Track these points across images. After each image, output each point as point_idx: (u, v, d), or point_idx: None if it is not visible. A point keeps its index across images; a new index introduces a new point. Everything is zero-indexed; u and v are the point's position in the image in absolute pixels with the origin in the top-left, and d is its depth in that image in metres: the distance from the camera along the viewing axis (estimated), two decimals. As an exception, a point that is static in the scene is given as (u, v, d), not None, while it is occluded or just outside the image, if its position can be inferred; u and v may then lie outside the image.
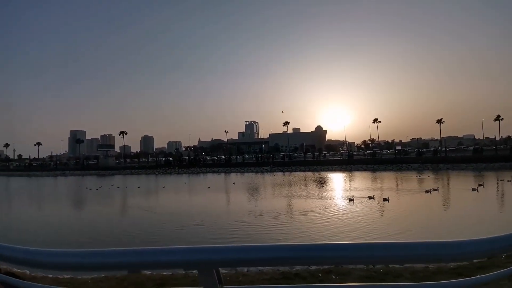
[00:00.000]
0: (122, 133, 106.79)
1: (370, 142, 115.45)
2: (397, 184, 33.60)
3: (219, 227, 15.07)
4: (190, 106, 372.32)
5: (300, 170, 60.41)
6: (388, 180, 37.62)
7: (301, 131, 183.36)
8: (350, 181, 37.84)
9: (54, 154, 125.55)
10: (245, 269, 7.96)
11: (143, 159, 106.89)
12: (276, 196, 26.94)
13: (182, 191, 34.29)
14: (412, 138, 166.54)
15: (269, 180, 44.15)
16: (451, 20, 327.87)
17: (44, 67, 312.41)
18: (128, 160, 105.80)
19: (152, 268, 0.90)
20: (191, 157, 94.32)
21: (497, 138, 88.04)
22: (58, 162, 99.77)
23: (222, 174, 58.88)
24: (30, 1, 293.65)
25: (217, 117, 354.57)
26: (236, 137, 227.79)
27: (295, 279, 6.79)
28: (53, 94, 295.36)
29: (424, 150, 79.10)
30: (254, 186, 36.66)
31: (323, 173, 52.91)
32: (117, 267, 1.19)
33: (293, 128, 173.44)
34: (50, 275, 7.58)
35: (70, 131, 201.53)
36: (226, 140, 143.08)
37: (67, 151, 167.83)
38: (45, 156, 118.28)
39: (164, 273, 7.55)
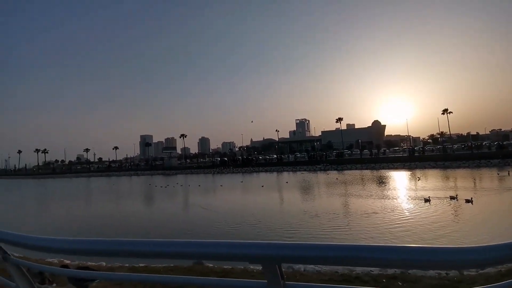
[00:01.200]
0: (183, 136, 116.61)
1: (439, 136, 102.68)
2: (475, 183, 29.40)
3: (274, 226, 15.12)
4: (242, 107, 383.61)
5: (356, 169, 57.33)
6: (463, 179, 33.13)
7: (356, 127, 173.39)
8: (417, 180, 34.36)
9: (128, 156, 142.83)
10: (302, 268, 8.04)
11: (201, 160, 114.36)
12: (331, 195, 26.13)
13: (238, 190, 35.74)
14: (492, 130, 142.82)
15: (322, 179, 43.01)
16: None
17: (118, 79, 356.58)
18: (188, 160, 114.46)
19: (218, 259, 1.08)
20: (244, 156, 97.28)
21: None
22: (132, 164, 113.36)
23: (275, 173, 59.38)
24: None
25: (268, 117, 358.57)
26: (287, 136, 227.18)
27: (355, 282, 6.60)
28: (126, 103, 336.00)
29: (505, 143, 66.52)
30: (308, 185, 36.13)
31: (382, 172, 49.26)
32: (186, 256, 1.34)
33: (347, 125, 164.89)
34: (127, 264, 8.78)
35: (140, 136, 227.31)
36: (277, 139, 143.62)
37: (139, 153, 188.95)
38: (121, 158, 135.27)
39: (225, 266, 8.10)
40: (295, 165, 68.91)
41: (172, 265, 8.41)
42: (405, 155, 65.96)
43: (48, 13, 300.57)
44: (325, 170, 59.13)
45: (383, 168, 54.89)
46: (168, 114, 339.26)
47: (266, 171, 66.43)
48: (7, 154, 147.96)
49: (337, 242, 0.93)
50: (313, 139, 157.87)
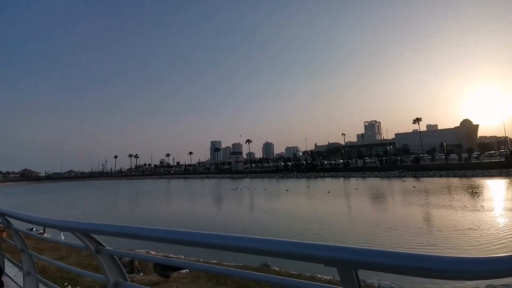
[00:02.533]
0: (248, 141, 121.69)
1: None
2: None
3: (342, 237, 14.12)
4: (306, 111, 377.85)
5: (440, 176, 50.01)
6: None
7: (439, 128, 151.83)
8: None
9: (201, 160, 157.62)
10: (377, 283, 7.52)
11: (265, 164, 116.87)
12: (409, 205, 23.50)
13: (302, 195, 35.32)
14: None
15: (397, 186, 38.94)
16: None
17: (193, 91, 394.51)
18: (253, 165, 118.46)
19: (294, 258, 1.11)
20: (308, 161, 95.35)
21: None
22: (203, 167, 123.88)
23: (341, 179, 56.49)
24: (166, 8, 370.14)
25: (334, 120, 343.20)
26: (354, 139, 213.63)
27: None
28: (199, 111, 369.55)
29: None
30: (379, 193, 33.24)
31: (475, 180, 41.70)
32: (263, 253, 1.30)
33: (427, 125, 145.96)
34: (201, 260, 9.60)
35: (211, 142, 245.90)
36: (343, 143, 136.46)
37: (209, 158, 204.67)
38: (195, 163, 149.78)
39: (292, 272, 8.16)
40: (364, 171, 64.13)
41: (241, 264, 8.89)
42: (502, 160, 54.01)
43: (120, 22, 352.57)
44: (400, 177, 53.35)
45: (476, 176, 46.51)
46: (235, 120, 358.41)
47: (331, 176, 63.78)
48: (104, 158, 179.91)
49: (421, 252, 0.84)
50: (385, 143, 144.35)
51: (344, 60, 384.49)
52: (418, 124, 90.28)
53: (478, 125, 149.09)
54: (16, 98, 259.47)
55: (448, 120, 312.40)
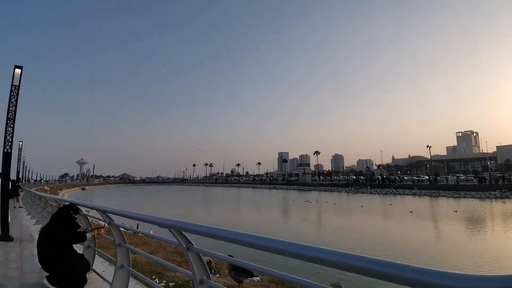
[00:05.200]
0: (316, 153, 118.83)
1: None
2: None
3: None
4: (381, 122, 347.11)
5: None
6: None
7: None
8: None
9: (268, 171, 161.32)
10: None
11: (334, 177, 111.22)
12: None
13: (379, 214, 32.05)
14: None
15: (499, 209, 31.72)
16: None
17: (257, 103, 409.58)
18: (321, 177, 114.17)
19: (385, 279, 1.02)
20: (384, 176, 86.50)
21: None
22: (271, 178, 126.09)
23: (426, 198, 49.21)
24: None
25: (415, 130, 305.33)
26: (443, 152, 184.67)
27: None
28: (264, 121, 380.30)
29: None
30: (484, 217, 27.42)
31: None
32: (346, 268, 1.25)
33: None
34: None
35: (278, 153, 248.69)
36: (429, 157, 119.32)
37: (277, 169, 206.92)
38: (263, 173, 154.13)
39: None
40: (456, 190, 54.27)
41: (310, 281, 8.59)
42: None
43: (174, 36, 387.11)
44: (502, 198, 43.42)
45: None
46: (304, 131, 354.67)
47: (414, 194, 56.24)
48: (185, 166, 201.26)
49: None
50: (485, 157, 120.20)
51: (430, 61, 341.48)
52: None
53: None
54: (116, 116, 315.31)
55: None
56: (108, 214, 3.77)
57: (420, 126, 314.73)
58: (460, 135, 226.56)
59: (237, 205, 44.58)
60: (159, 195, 65.36)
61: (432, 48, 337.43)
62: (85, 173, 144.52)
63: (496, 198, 44.37)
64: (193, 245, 2.38)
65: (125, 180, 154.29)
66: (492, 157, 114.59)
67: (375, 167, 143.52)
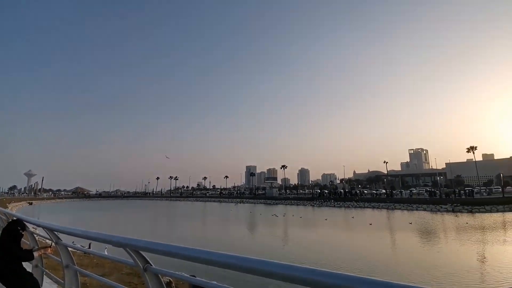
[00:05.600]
0: (283, 166, 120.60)
1: None
2: None
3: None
4: (343, 138, 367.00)
5: (496, 211, 43.94)
6: None
7: (495, 158, 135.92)
8: None
9: (235, 184, 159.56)
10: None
11: (300, 191, 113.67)
12: (480, 247, 20.60)
13: (340, 226, 33.15)
14: None
15: (451, 222, 34.71)
16: None
17: (234, 114, 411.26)
18: (288, 191, 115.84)
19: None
20: (346, 190, 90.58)
21: None
22: (238, 191, 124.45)
23: (384, 211, 52.25)
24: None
25: (375, 147, 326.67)
26: (398, 168, 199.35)
27: None
28: (232, 133, 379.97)
29: None
30: (431, 229, 29.58)
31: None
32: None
33: (482, 155, 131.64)
34: None
35: (246, 166, 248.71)
36: (386, 172, 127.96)
37: (244, 182, 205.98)
38: (230, 187, 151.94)
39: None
40: (410, 203, 58.56)
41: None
42: None
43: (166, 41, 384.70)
44: (453, 211, 47.75)
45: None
46: (271, 145, 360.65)
47: (373, 207, 59.42)
48: (147, 179, 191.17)
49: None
50: (434, 173, 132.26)
51: (387, 83, 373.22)
52: (473, 153, 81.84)
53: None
54: (73, 125, 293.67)
55: (507, 149, 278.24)
56: (55, 232, 3.50)
57: (378, 143, 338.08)
58: (412, 152, 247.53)
59: (203, 220, 43.08)
60: (116, 210, 60.94)
61: (387, 75, 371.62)
62: (33, 186, 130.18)
63: (447, 211, 48.45)
64: (151, 265, 2.16)
65: (79, 194, 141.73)
66: (441, 172, 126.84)
67: (338, 181, 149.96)
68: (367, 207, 59.74)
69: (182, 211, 58.65)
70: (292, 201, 79.03)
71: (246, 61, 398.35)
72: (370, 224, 32.29)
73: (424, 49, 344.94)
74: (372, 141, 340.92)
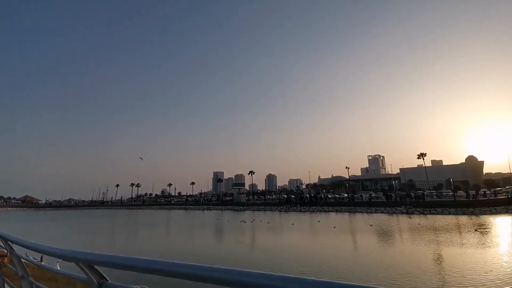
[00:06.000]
0: (251, 172, 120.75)
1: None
2: None
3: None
4: (309, 144, 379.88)
5: (448, 213, 48.36)
6: None
7: (444, 164, 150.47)
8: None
9: (202, 191, 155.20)
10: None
11: (268, 196, 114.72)
12: (430, 246, 22.34)
13: (306, 230, 33.95)
14: None
15: (405, 223, 37.45)
16: None
17: (196, 117, 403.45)
18: (255, 197, 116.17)
19: None
20: (312, 194, 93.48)
21: None
22: (205, 198, 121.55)
23: (346, 214, 54.78)
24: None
25: (338, 153, 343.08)
26: (358, 173, 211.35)
27: None
28: (202, 140, 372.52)
29: None
30: (388, 230, 31.71)
31: (484, 217, 40.08)
32: None
33: (432, 161, 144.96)
34: None
35: (213, 172, 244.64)
36: (347, 177, 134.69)
37: (211, 188, 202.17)
38: (197, 193, 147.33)
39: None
40: (370, 206, 62.24)
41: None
42: (510, 197, 52.26)
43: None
44: (407, 213, 51.69)
45: (484, 214, 44.89)
46: (239, 151, 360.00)
47: (336, 211, 61.97)
48: (105, 187, 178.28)
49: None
50: (390, 177, 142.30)
51: (348, 94, 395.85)
52: (423, 159, 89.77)
53: (483, 161, 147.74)
54: (19, 126, 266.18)
55: (453, 156, 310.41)
56: (9, 242, 3.22)
57: (341, 150, 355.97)
58: (371, 158, 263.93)
59: (166, 229, 41.17)
60: (70, 221, 55.88)
61: (349, 85, 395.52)
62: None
63: (402, 213, 52.31)
64: (107, 280, 1.95)
65: (28, 203, 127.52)
66: (396, 177, 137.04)
67: (304, 186, 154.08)
68: (331, 211, 62.12)
69: (144, 220, 55.56)
70: (260, 207, 79.33)
71: (215, 67, 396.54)
72: (334, 227, 33.58)
73: (383, 64, 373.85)
74: (336, 148, 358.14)
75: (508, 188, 64.75)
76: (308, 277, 1.05)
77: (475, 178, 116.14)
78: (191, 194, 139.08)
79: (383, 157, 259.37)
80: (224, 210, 78.53)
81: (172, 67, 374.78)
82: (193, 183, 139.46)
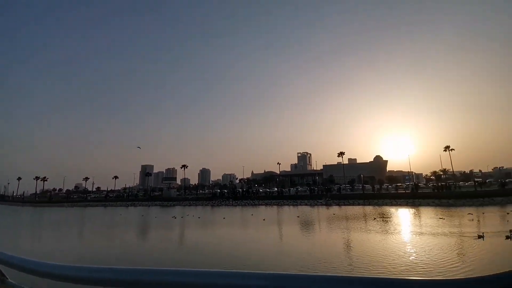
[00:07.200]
0: (184, 166, 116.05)
1: (442, 173, 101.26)
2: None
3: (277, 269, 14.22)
4: (244, 139, 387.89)
5: (358, 204, 56.13)
6: (494, 218, 31.10)
7: (358, 162, 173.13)
8: (440, 218, 33.28)
9: (127, 186, 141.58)
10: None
11: (201, 191, 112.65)
12: (344, 232, 25.20)
13: (236, 223, 34.63)
14: (494, 168, 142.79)
15: (323, 214, 41.88)
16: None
17: (122, 109, 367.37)
18: (187, 191, 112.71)
19: None
20: (244, 189, 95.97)
21: None
22: (129, 194, 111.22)
23: (275, 207, 58.09)
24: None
25: (271, 149, 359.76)
26: (288, 169, 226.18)
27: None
28: (129, 132, 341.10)
29: (507, 180, 67.21)
30: (309, 220, 34.90)
31: (385, 208, 48.01)
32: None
33: (348, 159, 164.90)
34: None
35: (141, 165, 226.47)
36: (278, 172, 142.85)
37: (138, 183, 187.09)
38: (120, 188, 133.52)
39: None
40: (296, 199, 67.56)
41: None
42: (408, 191, 64.77)
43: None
44: (327, 205, 57.94)
45: (385, 205, 53.70)
46: (171, 144, 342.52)
47: (266, 204, 65.10)
48: (6, 179, 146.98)
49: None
50: (315, 173, 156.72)
51: (282, 94, 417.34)
52: (342, 157, 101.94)
53: (387, 160, 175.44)
54: None
55: (366, 155, 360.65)
56: None
57: (274, 146, 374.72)
58: (299, 155, 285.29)
59: (78, 230, 35.96)
60: None
61: (283, 85, 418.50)
62: None
63: (322, 205, 58.36)
64: (7, 278, 1.70)
65: None
66: (319, 173, 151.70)
67: (237, 181, 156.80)
68: (262, 205, 64.94)
69: (49, 219, 47.85)
70: (191, 202, 77.40)
71: (147, 59, 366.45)
72: (264, 219, 35.18)
73: (315, 69, 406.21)
74: (269, 144, 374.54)
75: (409, 183, 79.36)
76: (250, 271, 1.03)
77: (380, 175, 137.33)
78: (113, 189, 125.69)
79: (310, 154, 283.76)
80: (152, 206, 73.89)
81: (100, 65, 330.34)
82: (116, 177, 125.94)
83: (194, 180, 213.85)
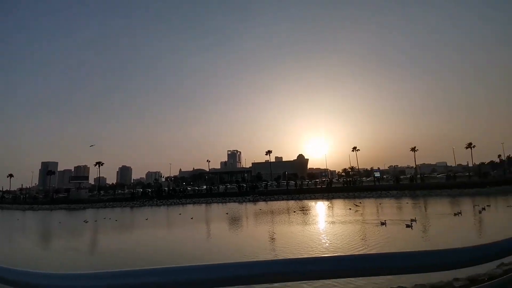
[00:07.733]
0: (98, 163, 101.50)
1: (350, 170, 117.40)
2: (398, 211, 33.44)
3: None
4: (171, 136, 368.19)
5: (283, 199, 59.68)
6: (391, 208, 35.83)
7: (283, 160, 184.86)
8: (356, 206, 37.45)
9: (24, 187, 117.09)
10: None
11: (120, 191, 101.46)
12: (283, 224, 25.92)
13: (161, 224, 32.31)
14: (389, 166, 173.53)
15: (250, 210, 42.94)
16: (422, 56, 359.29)
17: (17, 94, 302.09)
18: (102, 192, 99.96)
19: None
20: (171, 187, 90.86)
21: (470, 165, 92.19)
22: (27, 195, 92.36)
23: (203, 205, 56.73)
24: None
25: (199, 147, 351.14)
26: (218, 166, 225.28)
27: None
28: (27, 122, 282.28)
29: (402, 177, 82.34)
30: (236, 217, 35.23)
31: (306, 201, 52.38)
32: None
33: (275, 157, 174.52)
34: None
35: (42, 162, 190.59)
36: (208, 170, 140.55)
37: (37, 183, 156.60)
38: (16, 189, 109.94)
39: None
40: (224, 197, 67.49)
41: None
42: (324, 186, 72.22)
43: None
44: (254, 201, 59.64)
45: (306, 199, 58.60)
46: (82, 139, 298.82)
47: (194, 203, 62.98)
48: None
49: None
50: (244, 170, 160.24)
51: (211, 91, 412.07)
52: (269, 155, 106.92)
53: (308, 159, 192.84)
54: None
55: (291, 153, 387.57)
56: None
57: (203, 143, 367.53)
58: (229, 153, 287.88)
59: None
60: None
61: (213, 82, 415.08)
62: None
63: (249, 201, 59.72)
64: None
65: None
66: (248, 170, 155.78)
67: (163, 179, 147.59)
68: (189, 203, 62.49)
69: None
70: (107, 204, 68.86)
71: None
72: (191, 218, 33.75)
73: (248, 67, 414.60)
74: (199, 142, 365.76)
75: (324, 179, 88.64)
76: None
77: (302, 172, 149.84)
78: (9, 189, 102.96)
79: (240, 152, 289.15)
80: (55, 209, 62.74)
81: None
82: (11, 175, 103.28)
83: (112, 180, 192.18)
